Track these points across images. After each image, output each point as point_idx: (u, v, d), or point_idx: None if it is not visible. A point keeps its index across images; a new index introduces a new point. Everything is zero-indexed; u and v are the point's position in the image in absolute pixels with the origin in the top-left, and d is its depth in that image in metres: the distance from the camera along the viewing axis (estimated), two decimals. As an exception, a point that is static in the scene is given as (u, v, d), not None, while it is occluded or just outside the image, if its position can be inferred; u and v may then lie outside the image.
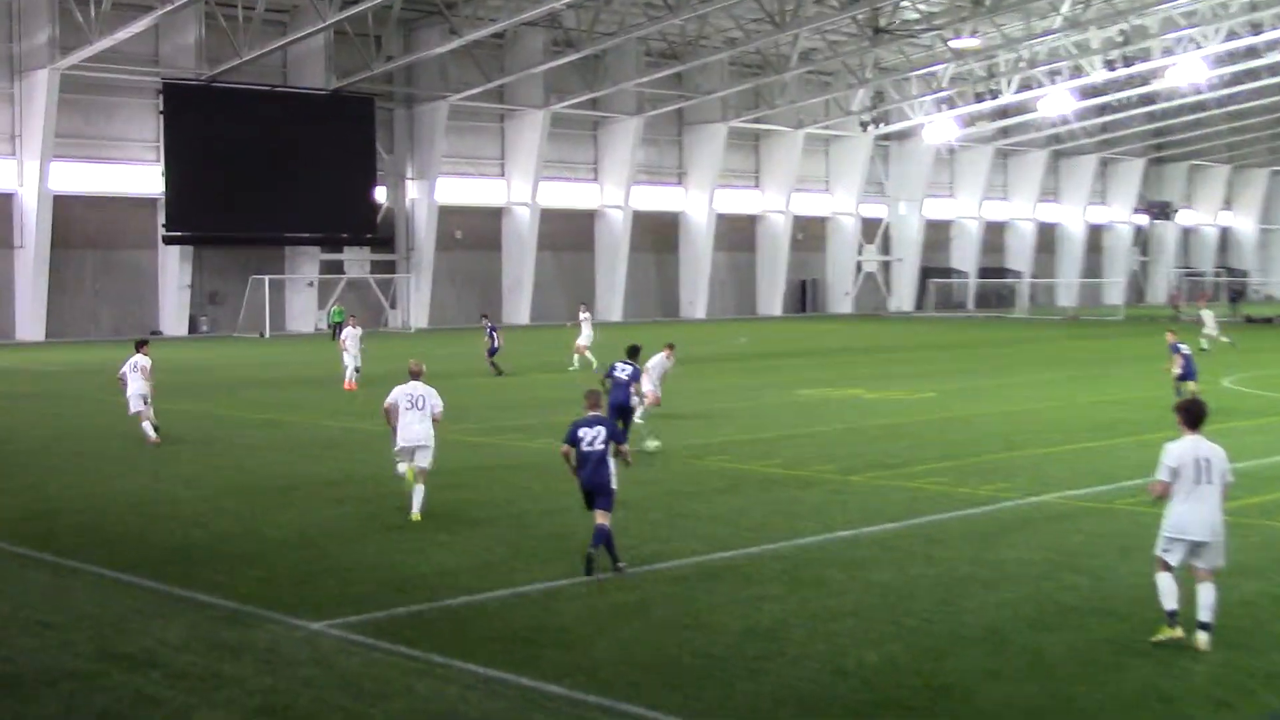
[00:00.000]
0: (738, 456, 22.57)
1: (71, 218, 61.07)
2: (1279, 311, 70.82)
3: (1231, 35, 70.51)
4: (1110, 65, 73.49)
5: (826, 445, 24.09)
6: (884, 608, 12.63)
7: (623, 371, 21.84)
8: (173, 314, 64.71)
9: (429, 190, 71.74)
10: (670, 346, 25.86)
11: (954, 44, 71.32)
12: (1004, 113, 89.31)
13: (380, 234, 71.20)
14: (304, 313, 69.52)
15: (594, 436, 13.90)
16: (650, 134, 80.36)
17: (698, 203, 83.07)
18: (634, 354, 22.55)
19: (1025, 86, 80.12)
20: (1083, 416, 28.53)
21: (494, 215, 75.65)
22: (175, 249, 64.09)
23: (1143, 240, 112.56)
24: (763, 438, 25.14)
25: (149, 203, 63.55)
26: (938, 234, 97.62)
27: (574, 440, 13.94)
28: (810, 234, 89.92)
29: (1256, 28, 68.16)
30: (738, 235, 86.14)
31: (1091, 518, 17.02)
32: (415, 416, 17.00)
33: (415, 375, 17.31)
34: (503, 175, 75.57)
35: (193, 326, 65.39)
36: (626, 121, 77.69)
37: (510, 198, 75.36)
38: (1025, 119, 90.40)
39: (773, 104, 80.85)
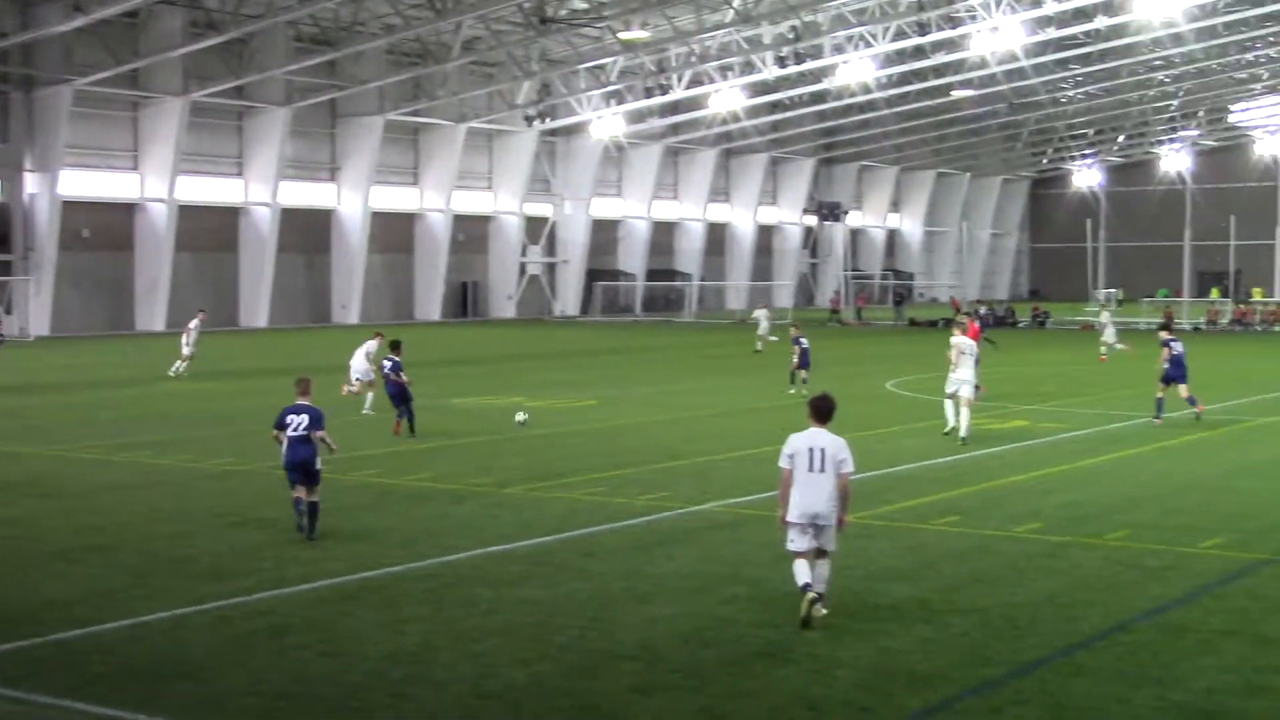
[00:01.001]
0: (384, 470, 22.44)
1: None
2: (944, 314, 74.70)
3: (900, 35, 73.96)
4: (782, 62, 76.05)
5: (482, 457, 24.25)
6: (534, 626, 12.83)
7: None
8: None
9: (51, 183, 68.47)
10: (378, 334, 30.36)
11: (623, 36, 72.60)
12: (674, 109, 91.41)
13: (-8, 232, 67.86)
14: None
15: (299, 423, 16.60)
16: (300, 126, 78.83)
17: (351, 200, 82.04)
18: (396, 348, 27.19)
19: (696, 82, 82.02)
20: (747, 423, 29.58)
21: (126, 212, 72.78)
22: None
23: (813, 242, 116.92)
24: (414, 449, 25.13)
25: None
26: (605, 234, 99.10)
27: (282, 425, 16.77)
28: (472, 234, 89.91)
29: (924, 28, 71.55)
30: (394, 235, 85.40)
31: (754, 525, 17.61)
32: None
33: None
34: (136, 168, 72.85)
35: None
36: (274, 112, 76.08)
37: (144, 192, 72.68)
38: (696, 116, 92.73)
39: (433, 96, 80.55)
